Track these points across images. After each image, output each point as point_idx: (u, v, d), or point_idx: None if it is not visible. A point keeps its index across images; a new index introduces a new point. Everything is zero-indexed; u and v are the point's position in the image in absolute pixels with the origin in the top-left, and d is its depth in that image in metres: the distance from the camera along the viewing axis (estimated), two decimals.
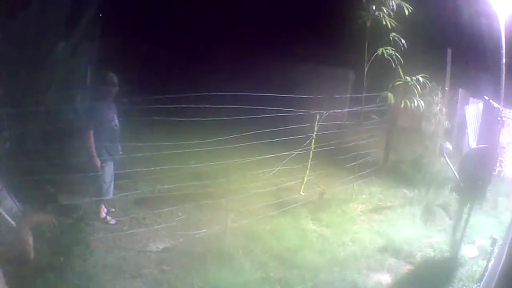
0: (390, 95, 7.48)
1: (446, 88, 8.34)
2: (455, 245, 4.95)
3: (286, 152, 6.10)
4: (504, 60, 5.27)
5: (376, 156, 7.82)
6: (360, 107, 7.72)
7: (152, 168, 5.03)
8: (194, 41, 10.85)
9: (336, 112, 7.05)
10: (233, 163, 5.00)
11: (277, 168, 6.25)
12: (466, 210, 4.96)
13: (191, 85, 6.27)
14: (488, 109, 7.76)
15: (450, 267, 4.66)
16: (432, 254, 5.06)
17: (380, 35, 7.54)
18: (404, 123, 9.68)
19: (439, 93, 7.29)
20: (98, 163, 4.74)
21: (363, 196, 6.74)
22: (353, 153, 6.94)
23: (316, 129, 6.46)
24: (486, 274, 3.84)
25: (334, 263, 4.61)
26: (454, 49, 8.66)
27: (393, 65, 7.45)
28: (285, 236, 5.07)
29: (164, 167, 5.01)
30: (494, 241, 4.23)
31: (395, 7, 7.45)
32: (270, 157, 5.88)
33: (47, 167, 4.44)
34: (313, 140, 6.44)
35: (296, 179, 6.47)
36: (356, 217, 5.95)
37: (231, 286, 4.05)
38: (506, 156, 7.92)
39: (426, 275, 4.55)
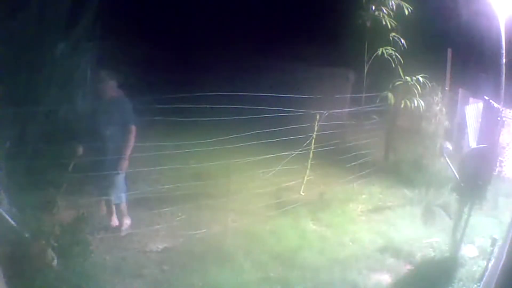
0: (390, 95, 7.48)
1: (446, 88, 8.33)
2: (455, 245, 4.94)
3: (286, 152, 6.10)
4: (504, 60, 5.27)
5: (376, 156, 7.81)
6: (360, 107, 7.71)
7: (152, 168, 5.04)
8: (194, 41, 10.84)
9: (336, 112, 7.05)
10: (233, 163, 5.00)
11: (277, 168, 6.24)
12: (466, 210, 4.95)
13: (191, 85, 6.27)
14: (488, 109, 7.74)
15: (450, 267, 4.65)
16: (432, 254, 5.05)
17: (380, 35, 7.54)
18: (404, 123, 9.63)
19: (439, 93, 7.28)
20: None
21: (363, 196, 6.73)
22: (353, 153, 6.93)
23: (316, 129, 6.46)
24: (486, 274, 3.84)
25: (334, 263, 4.60)
26: (454, 49, 8.65)
27: (393, 65, 7.45)
28: (285, 236, 5.07)
29: (164, 167, 5.01)
30: (494, 241, 4.22)
31: (395, 7, 7.45)
32: (270, 157, 5.88)
33: (47, 167, 4.44)
34: (313, 140, 6.44)
35: (296, 179, 6.46)
36: (356, 217, 5.95)
37: (231, 286, 4.04)
38: (506, 156, 7.90)
39: (426, 275, 4.54)
